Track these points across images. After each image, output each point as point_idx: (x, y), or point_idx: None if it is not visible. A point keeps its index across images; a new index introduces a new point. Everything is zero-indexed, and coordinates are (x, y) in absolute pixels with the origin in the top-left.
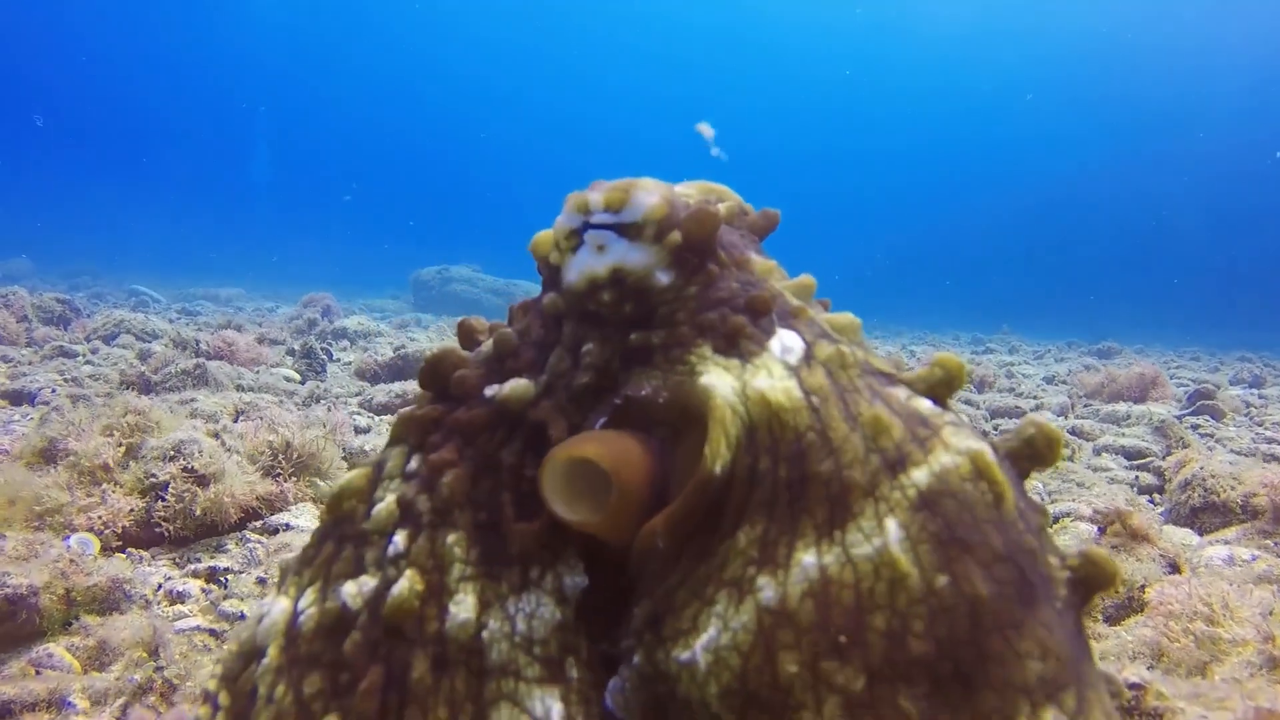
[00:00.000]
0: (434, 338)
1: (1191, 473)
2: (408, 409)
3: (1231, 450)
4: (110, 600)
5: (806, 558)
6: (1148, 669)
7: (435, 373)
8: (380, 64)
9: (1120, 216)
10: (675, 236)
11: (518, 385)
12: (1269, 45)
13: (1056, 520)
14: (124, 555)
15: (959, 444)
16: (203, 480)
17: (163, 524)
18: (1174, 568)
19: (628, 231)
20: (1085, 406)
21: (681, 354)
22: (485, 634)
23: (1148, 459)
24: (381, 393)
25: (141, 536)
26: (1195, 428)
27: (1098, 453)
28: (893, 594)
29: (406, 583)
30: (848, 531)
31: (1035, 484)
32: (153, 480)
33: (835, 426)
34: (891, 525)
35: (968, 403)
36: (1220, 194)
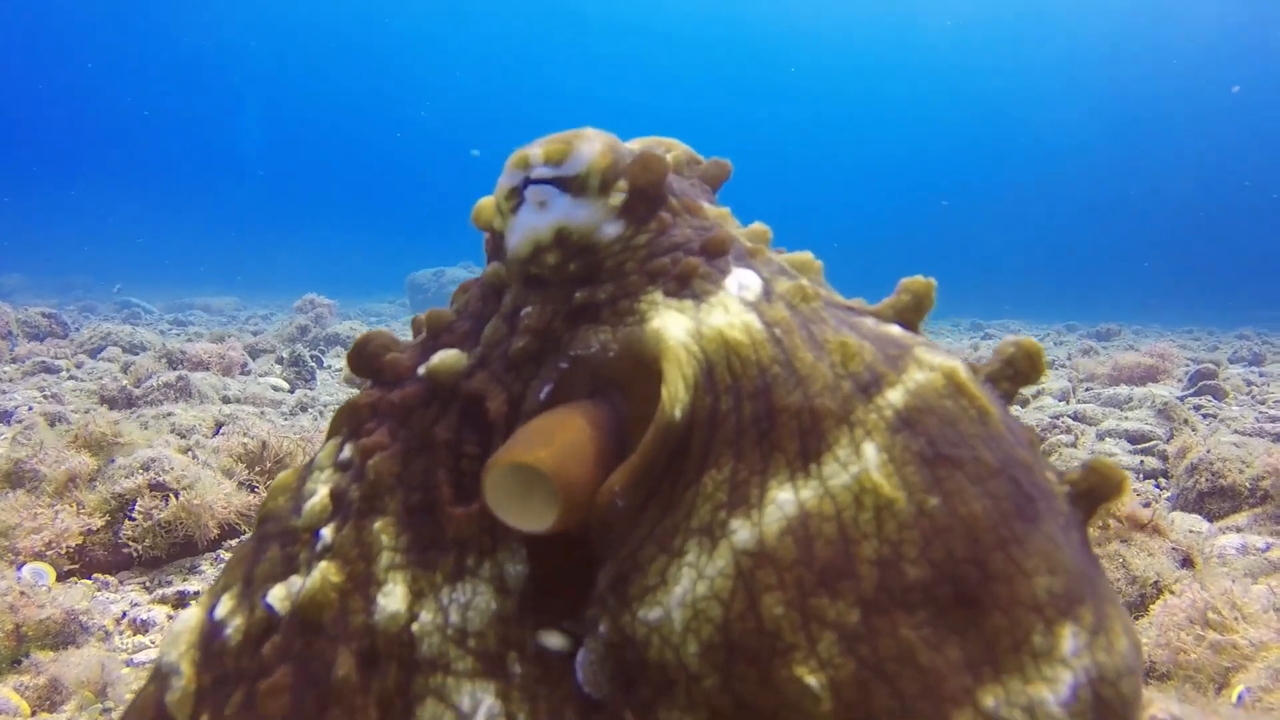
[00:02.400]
0: None
1: (1198, 456)
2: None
3: (1235, 431)
4: (65, 633)
5: (782, 494)
6: (1170, 693)
7: (362, 356)
8: (373, 67)
9: (1117, 197)
10: (621, 185)
11: (446, 355)
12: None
13: None
14: (89, 581)
15: (933, 360)
16: (173, 496)
17: (131, 544)
18: (1187, 561)
19: (570, 185)
20: (1086, 390)
21: (631, 304)
22: (416, 626)
23: (1152, 442)
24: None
25: (109, 560)
26: (1198, 408)
27: (1101, 438)
28: (880, 521)
29: (319, 575)
30: (823, 463)
31: None
32: (119, 499)
33: (800, 356)
34: (869, 450)
35: None
36: (1216, 173)
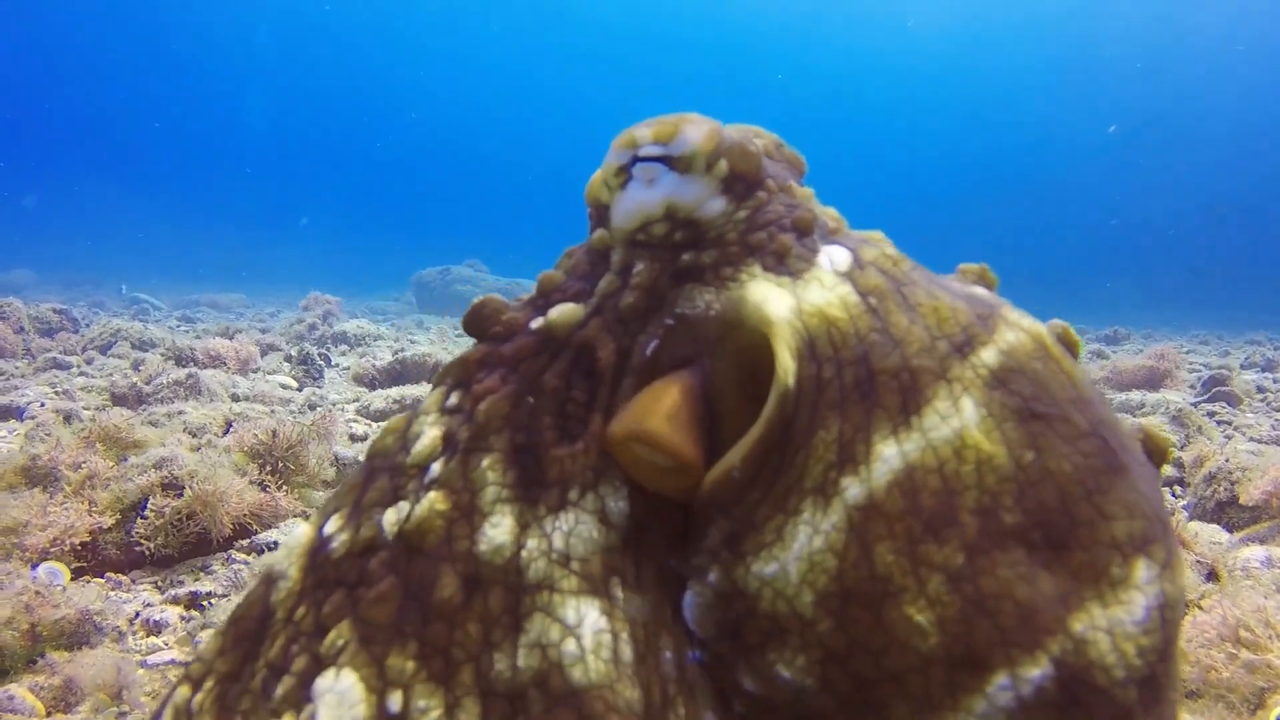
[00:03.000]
0: (435, 340)
1: (1216, 465)
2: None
3: (1251, 439)
4: (79, 634)
5: (886, 449)
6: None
7: (479, 317)
8: (376, 66)
9: (1125, 200)
10: (723, 165)
11: (564, 308)
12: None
13: None
14: (102, 580)
15: (1021, 321)
16: (188, 489)
17: (144, 543)
18: (1213, 575)
19: (677, 164)
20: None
21: (733, 272)
22: (524, 553)
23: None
24: (379, 399)
25: (121, 559)
26: (1212, 415)
27: None
28: (980, 474)
29: (427, 502)
30: (924, 416)
31: None
32: (132, 497)
33: (895, 321)
34: (968, 405)
35: None
36: (1225, 177)
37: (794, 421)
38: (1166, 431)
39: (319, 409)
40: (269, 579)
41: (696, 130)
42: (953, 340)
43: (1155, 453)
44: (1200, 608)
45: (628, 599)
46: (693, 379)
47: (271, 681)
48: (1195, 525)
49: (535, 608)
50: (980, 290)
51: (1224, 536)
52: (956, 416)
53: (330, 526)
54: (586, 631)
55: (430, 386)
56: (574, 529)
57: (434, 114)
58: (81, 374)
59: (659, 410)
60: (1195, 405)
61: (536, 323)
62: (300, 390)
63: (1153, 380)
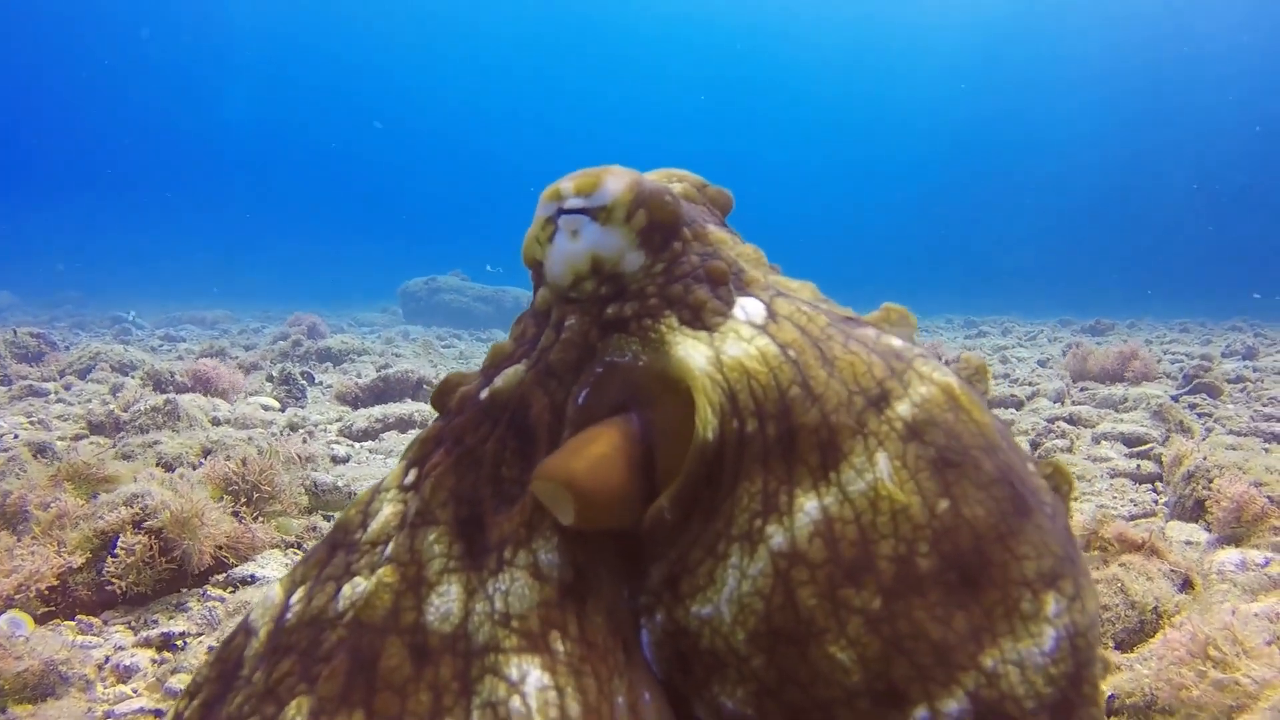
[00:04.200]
0: (419, 352)
1: (1194, 464)
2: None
3: (1231, 431)
4: (43, 685)
5: (808, 503)
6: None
7: (440, 393)
8: (359, 74)
9: (1109, 191)
10: (641, 216)
11: (507, 373)
12: (1262, 10)
13: None
14: (72, 623)
15: (932, 374)
16: (156, 531)
17: (115, 582)
18: (1187, 584)
19: (599, 215)
20: (1082, 391)
21: (652, 324)
22: (472, 619)
23: (1148, 445)
24: (362, 418)
25: (93, 599)
26: (1193, 407)
27: (1096, 440)
28: (896, 523)
29: (377, 577)
30: (841, 472)
31: None
32: (102, 536)
33: (815, 375)
34: (881, 459)
35: None
36: (1209, 164)
37: (719, 471)
38: (1144, 425)
39: (301, 430)
40: (248, 631)
41: (616, 182)
42: (868, 395)
43: (1061, 486)
44: (1171, 622)
45: (571, 650)
46: (629, 424)
47: (222, 684)
48: (1174, 524)
49: (485, 669)
50: (895, 341)
51: (1202, 536)
52: (871, 471)
53: (294, 597)
54: (530, 690)
55: (399, 460)
56: (510, 588)
57: (422, 125)
58: (59, 400)
59: (587, 453)
60: (1176, 398)
61: (484, 394)
62: (283, 411)
63: (1124, 374)
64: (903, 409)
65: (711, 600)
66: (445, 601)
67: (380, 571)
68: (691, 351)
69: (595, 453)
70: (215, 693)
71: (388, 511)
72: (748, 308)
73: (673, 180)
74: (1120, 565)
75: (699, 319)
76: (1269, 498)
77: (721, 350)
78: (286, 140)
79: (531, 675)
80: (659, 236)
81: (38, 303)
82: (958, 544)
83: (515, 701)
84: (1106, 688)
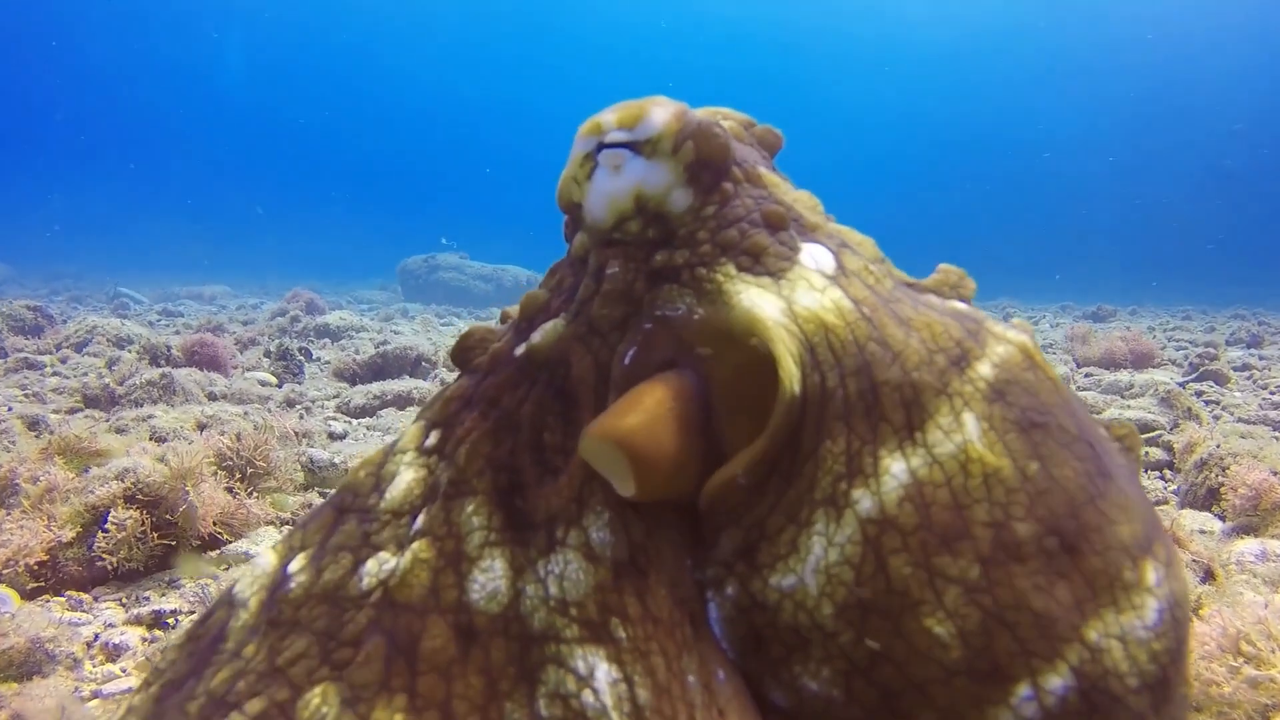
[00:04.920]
0: (418, 330)
1: (1207, 451)
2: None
3: (1240, 419)
4: (30, 663)
5: (895, 465)
6: None
7: (463, 348)
8: (360, 54)
9: (1110, 177)
10: (689, 149)
11: (546, 329)
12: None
13: None
14: (61, 599)
15: (1006, 334)
16: (148, 505)
17: (106, 558)
18: (1209, 574)
19: (643, 149)
20: (1086, 377)
21: (707, 273)
22: (525, 601)
23: (1155, 432)
24: (360, 394)
25: (84, 575)
26: (1200, 394)
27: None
28: (988, 486)
29: (412, 553)
30: (928, 432)
31: None
32: (93, 511)
33: (891, 333)
34: (969, 420)
35: None
36: (1211, 153)
37: (801, 430)
38: (1152, 412)
39: (298, 406)
40: (231, 603)
41: (662, 112)
42: (949, 354)
43: (1135, 448)
44: (1199, 616)
45: (634, 634)
46: (682, 381)
47: (209, 710)
48: (1187, 513)
49: (546, 658)
50: (960, 305)
51: (1216, 525)
52: (959, 432)
53: (294, 565)
54: (602, 685)
55: (411, 421)
56: (564, 571)
57: (424, 101)
58: (55, 374)
59: (640, 410)
60: (1183, 385)
61: (520, 350)
62: (280, 387)
63: (1135, 360)
64: (984, 369)
65: (794, 570)
66: (491, 579)
67: (415, 547)
68: (759, 300)
69: (648, 410)
70: (187, 669)
71: (409, 477)
72: (816, 255)
73: (717, 116)
74: None
75: (760, 264)
76: None
77: (793, 300)
78: (287, 116)
79: (600, 669)
80: (708, 175)
81: (35, 276)
82: (1053, 508)
83: (588, 697)
84: None
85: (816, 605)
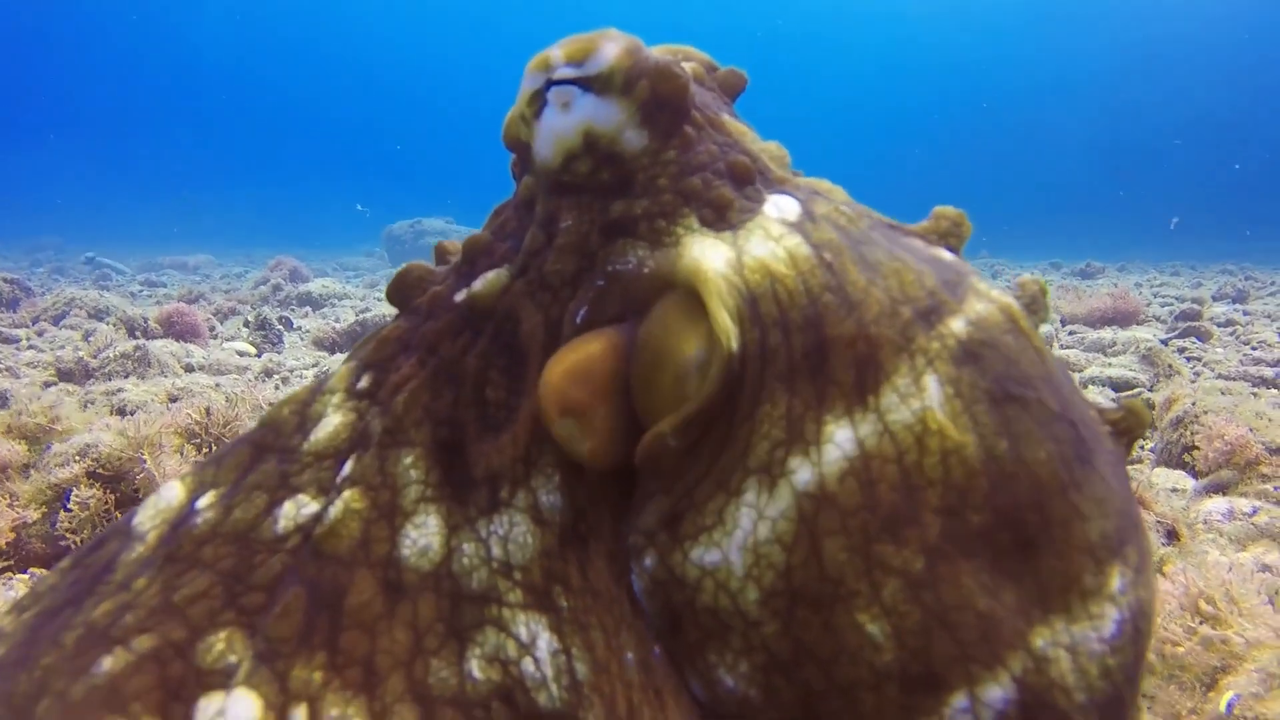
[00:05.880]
0: None
1: (1183, 409)
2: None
3: (1219, 375)
4: None
5: (840, 432)
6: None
7: (402, 285)
8: (344, 16)
9: (1099, 131)
10: (644, 86)
11: (488, 278)
12: None
13: None
14: (25, 576)
15: (990, 291)
16: (111, 481)
17: (69, 537)
18: (1173, 534)
19: (594, 84)
20: (1070, 335)
21: (667, 225)
22: (459, 559)
23: (1135, 390)
24: (339, 364)
25: (47, 553)
26: (1182, 351)
27: (1084, 385)
28: (947, 467)
29: (343, 502)
30: (882, 394)
31: None
32: (55, 489)
33: (853, 280)
34: (931, 383)
35: None
36: (1200, 105)
37: (738, 391)
38: (1132, 370)
39: (275, 376)
40: (127, 534)
41: (614, 46)
42: (917, 306)
43: (1128, 430)
44: (1163, 574)
45: (575, 605)
46: (620, 336)
47: (87, 643)
48: (1161, 471)
49: (485, 620)
50: (947, 254)
51: (1189, 483)
52: (919, 396)
53: (202, 501)
54: (543, 654)
55: (343, 360)
56: (510, 533)
57: (410, 65)
58: (30, 347)
59: (563, 361)
60: (1165, 342)
61: (460, 296)
62: (259, 357)
63: (1120, 318)
64: (957, 325)
65: (719, 545)
66: (424, 535)
67: (347, 496)
68: (708, 251)
69: (569, 362)
70: (66, 598)
71: (336, 420)
72: (780, 204)
73: (679, 56)
74: None
75: (724, 219)
76: (1263, 444)
77: (744, 250)
78: (272, 81)
79: (542, 638)
80: (665, 116)
81: (17, 248)
82: (1017, 496)
83: (529, 665)
84: None
85: (740, 588)
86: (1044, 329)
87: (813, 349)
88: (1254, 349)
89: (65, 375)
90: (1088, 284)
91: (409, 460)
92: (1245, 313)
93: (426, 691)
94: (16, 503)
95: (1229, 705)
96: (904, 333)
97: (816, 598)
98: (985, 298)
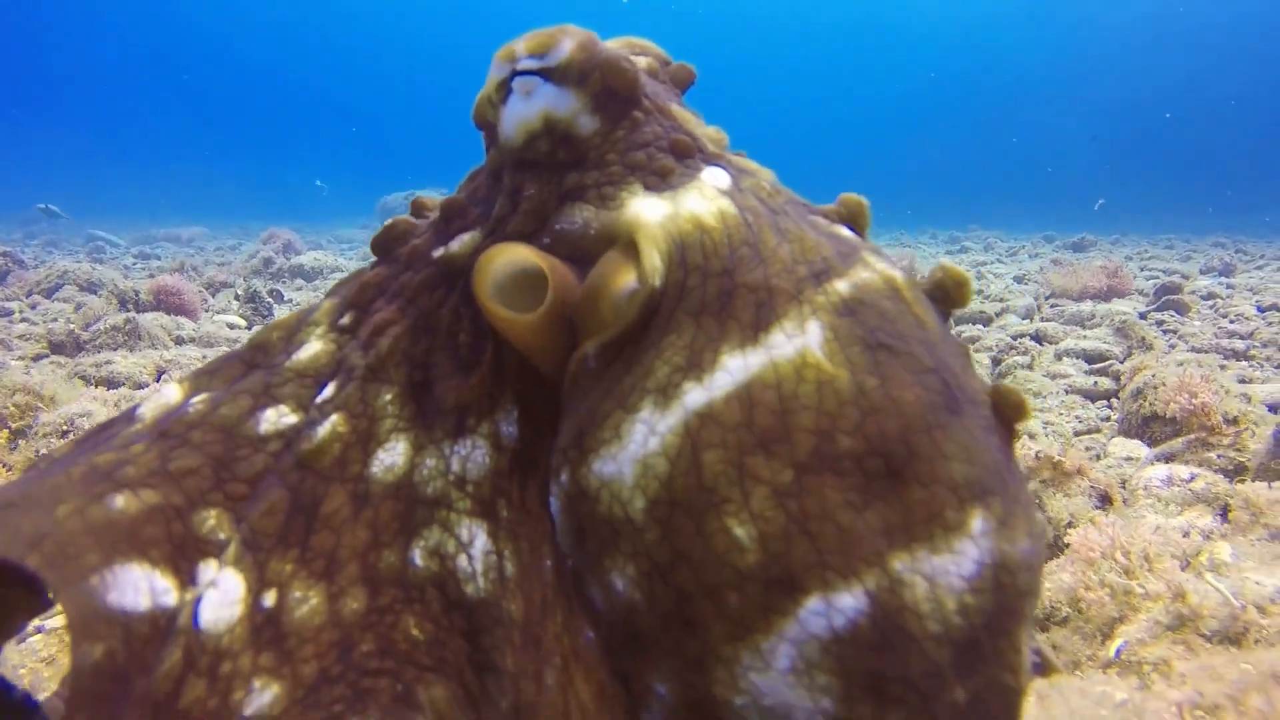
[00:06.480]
0: None
1: (1143, 380)
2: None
3: (1192, 348)
4: None
5: (731, 361)
6: (1058, 622)
7: (388, 238)
8: None
9: (1098, 106)
10: (596, 80)
11: (464, 239)
12: None
13: None
14: None
15: (877, 264)
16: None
17: None
18: (1105, 499)
19: (552, 75)
20: (1052, 307)
21: (614, 191)
22: (420, 472)
23: (1108, 362)
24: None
25: None
26: (1160, 324)
27: (1058, 357)
28: (820, 395)
29: (331, 424)
30: (771, 333)
31: None
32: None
33: (766, 241)
34: (814, 326)
35: None
36: (1200, 77)
37: (652, 322)
38: (1107, 342)
39: None
40: (129, 419)
41: (570, 42)
42: (812, 267)
43: (1007, 413)
44: (1093, 522)
45: (512, 517)
46: (570, 272)
47: (93, 479)
48: (1118, 440)
49: (433, 520)
50: (846, 232)
51: (1143, 451)
52: (801, 337)
53: (197, 399)
54: (477, 552)
55: (326, 295)
56: (470, 454)
57: (404, 38)
58: (24, 320)
59: (498, 254)
60: (1144, 315)
61: (438, 252)
62: (249, 329)
63: (1104, 292)
64: (842, 285)
65: (615, 457)
66: (391, 456)
67: (334, 419)
68: (646, 205)
69: (550, 258)
70: (69, 455)
71: (317, 347)
72: (715, 174)
73: (635, 50)
74: (1040, 482)
75: (666, 183)
76: (1223, 415)
77: (680, 204)
78: (269, 53)
79: (479, 539)
80: (615, 104)
81: (12, 221)
82: (884, 427)
83: (463, 560)
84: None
85: (630, 497)
86: (1026, 301)
87: (725, 291)
88: (1231, 322)
89: (57, 348)
90: (1079, 257)
91: (389, 397)
92: (1229, 286)
93: (376, 574)
94: (11, 473)
95: (1118, 651)
96: (797, 286)
97: (693, 505)
98: (871, 268)
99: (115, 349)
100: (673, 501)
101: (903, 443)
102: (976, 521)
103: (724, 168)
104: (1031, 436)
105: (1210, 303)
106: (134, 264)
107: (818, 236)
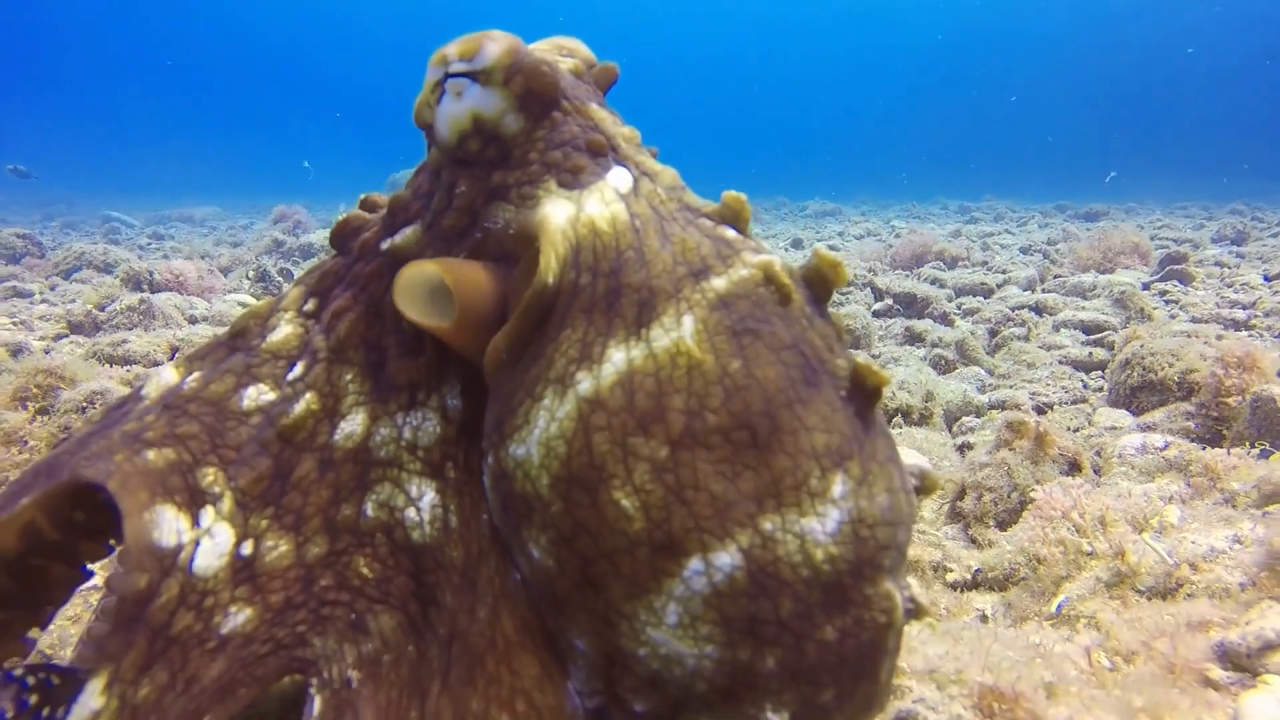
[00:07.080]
0: None
1: (1132, 351)
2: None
3: (1193, 318)
4: None
5: (616, 353)
6: (1015, 582)
7: (341, 233)
8: None
9: (1116, 68)
10: (519, 83)
11: (406, 233)
12: None
13: (990, 409)
14: None
15: (754, 260)
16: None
17: None
18: (1074, 466)
19: (480, 77)
20: (1055, 279)
21: (532, 190)
22: (375, 439)
23: (1105, 332)
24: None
25: None
26: (1163, 294)
27: (1056, 329)
28: (690, 378)
29: (305, 403)
30: (651, 328)
31: (981, 370)
32: (66, 433)
33: (650, 244)
34: (688, 321)
35: (934, 281)
36: (1219, 41)
37: (550, 318)
38: (1105, 313)
39: None
40: (137, 398)
41: (495, 46)
42: (692, 267)
43: (868, 380)
44: (1061, 484)
45: (459, 478)
46: (493, 271)
47: (128, 439)
48: (1104, 410)
49: (385, 478)
50: (730, 233)
51: (1127, 421)
52: (677, 330)
53: (191, 379)
54: (425, 505)
55: (293, 284)
56: (421, 424)
57: (416, 9)
58: (43, 301)
59: (439, 259)
60: (1147, 286)
61: (385, 244)
62: None
63: (1106, 264)
64: (718, 283)
65: (524, 441)
66: (351, 425)
67: (308, 398)
68: (554, 208)
69: (462, 266)
70: (96, 427)
71: (287, 330)
72: (619, 176)
73: (561, 52)
74: (1010, 450)
75: (577, 180)
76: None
77: (583, 207)
78: (282, 30)
79: (428, 495)
80: (537, 105)
81: (28, 202)
82: (748, 404)
83: (411, 512)
84: (974, 563)
85: (537, 475)
86: (1028, 272)
87: (611, 291)
88: (1236, 292)
89: (76, 329)
90: (1090, 226)
91: (349, 376)
92: (1239, 255)
93: (334, 525)
94: (35, 449)
95: (1058, 606)
96: (676, 285)
97: (587, 481)
98: (747, 265)
99: (131, 329)
100: (571, 478)
101: (766, 416)
102: (837, 486)
103: (629, 169)
104: (1017, 407)
105: (1218, 271)
106: (149, 244)
107: (700, 238)
